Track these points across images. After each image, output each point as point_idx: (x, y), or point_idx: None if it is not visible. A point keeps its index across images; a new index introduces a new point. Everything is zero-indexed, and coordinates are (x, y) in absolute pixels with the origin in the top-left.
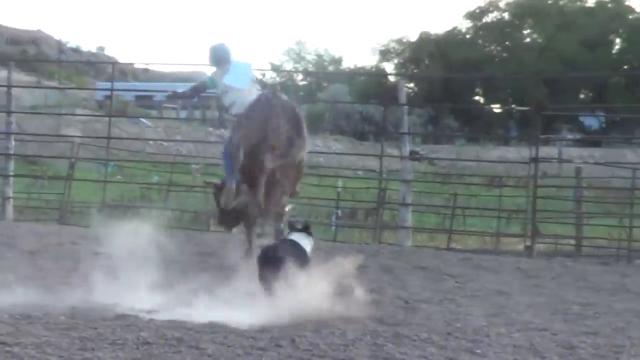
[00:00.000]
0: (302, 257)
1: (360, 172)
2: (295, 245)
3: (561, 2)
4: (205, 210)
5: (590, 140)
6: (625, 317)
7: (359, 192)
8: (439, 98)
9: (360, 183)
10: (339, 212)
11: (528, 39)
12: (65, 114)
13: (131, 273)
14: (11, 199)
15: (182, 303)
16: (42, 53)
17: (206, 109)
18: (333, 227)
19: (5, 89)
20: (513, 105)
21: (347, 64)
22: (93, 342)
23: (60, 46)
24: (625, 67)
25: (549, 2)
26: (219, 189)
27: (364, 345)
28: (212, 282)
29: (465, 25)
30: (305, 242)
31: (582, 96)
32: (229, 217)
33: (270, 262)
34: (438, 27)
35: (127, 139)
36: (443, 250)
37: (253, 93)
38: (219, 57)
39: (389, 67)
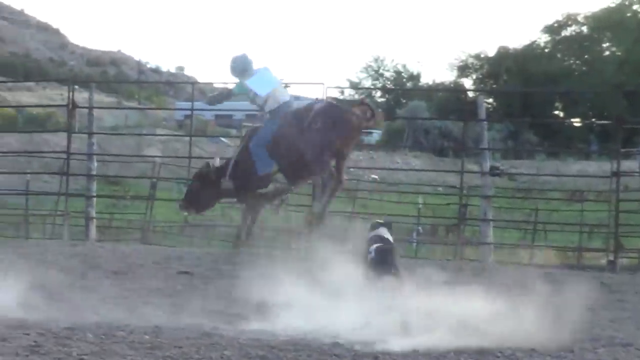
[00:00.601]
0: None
1: (440, 189)
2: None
3: None
4: (286, 228)
5: None
6: None
7: (440, 208)
8: (519, 113)
9: (441, 199)
10: (420, 228)
11: (607, 52)
12: (146, 134)
13: (217, 291)
14: (94, 220)
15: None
16: (122, 74)
17: None
18: (414, 244)
19: (86, 110)
20: (593, 119)
21: (426, 80)
22: None
23: (140, 67)
24: None
25: (628, 14)
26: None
27: None
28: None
29: (543, 39)
30: (389, 234)
31: None
32: (199, 201)
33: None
34: (516, 42)
35: (208, 158)
36: (525, 266)
37: (284, 92)
38: (242, 69)
39: (468, 82)
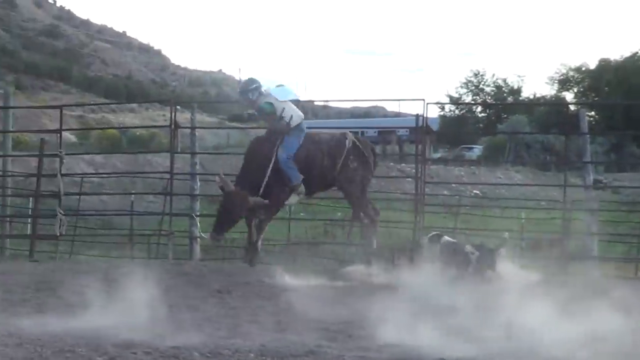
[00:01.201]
0: None
1: (543, 203)
2: None
3: None
4: (390, 245)
5: None
6: None
7: (543, 222)
8: (621, 125)
9: (544, 213)
10: (523, 243)
11: None
12: None
13: (320, 308)
14: (198, 239)
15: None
16: (223, 93)
17: (387, 144)
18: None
19: (188, 130)
20: None
21: (527, 94)
22: None
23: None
24: None
25: None
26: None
27: None
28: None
29: None
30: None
31: None
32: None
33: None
34: (617, 54)
35: None
36: (632, 280)
37: (295, 106)
38: (259, 87)
39: (569, 95)
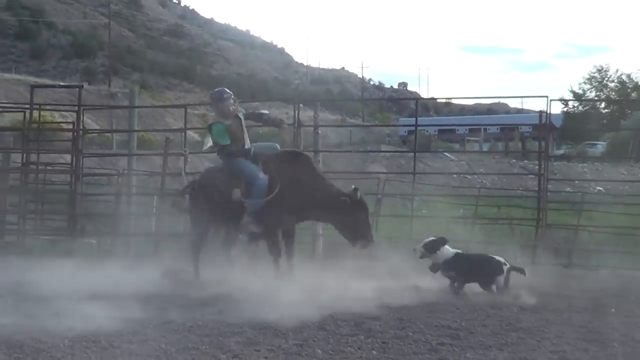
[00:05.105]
0: None
1: None
2: None
3: None
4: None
5: None
6: None
7: None
8: None
9: None
10: None
11: None
12: (370, 151)
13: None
14: (321, 236)
15: None
16: (346, 91)
17: (509, 141)
18: None
19: (311, 128)
20: None
21: None
22: None
23: (363, 84)
24: None
25: None
26: None
27: None
28: None
29: None
30: None
31: None
32: None
33: None
34: None
35: (432, 173)
36: None
37: None
38: None
39: None
